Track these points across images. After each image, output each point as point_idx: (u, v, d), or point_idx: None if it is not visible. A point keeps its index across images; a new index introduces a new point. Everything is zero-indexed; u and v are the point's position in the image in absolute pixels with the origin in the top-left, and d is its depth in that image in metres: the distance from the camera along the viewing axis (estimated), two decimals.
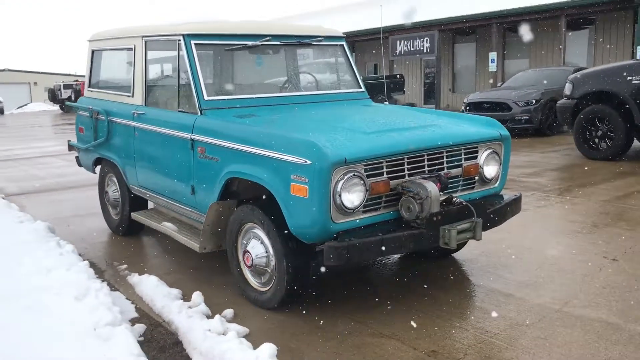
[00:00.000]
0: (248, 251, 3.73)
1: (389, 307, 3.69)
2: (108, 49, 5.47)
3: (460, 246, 4.54)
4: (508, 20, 19.65)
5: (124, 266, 4.63)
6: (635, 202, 6.19)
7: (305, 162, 3.22)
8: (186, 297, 3.89)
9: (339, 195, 3.24)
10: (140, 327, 3.53)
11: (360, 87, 5.05)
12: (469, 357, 3.04)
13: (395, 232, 3.36)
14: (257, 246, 3.69)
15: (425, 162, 3.66)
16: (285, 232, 3.43)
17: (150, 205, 5.31)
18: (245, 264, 3.80)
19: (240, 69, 4.86)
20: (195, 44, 4.25)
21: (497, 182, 4.14)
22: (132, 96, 4.94)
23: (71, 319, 3.31)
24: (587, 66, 16.39)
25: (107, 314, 3.27)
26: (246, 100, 4.36)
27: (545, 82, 13.04)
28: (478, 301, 3.77)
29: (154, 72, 4.79)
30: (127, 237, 5.46)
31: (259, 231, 3.69)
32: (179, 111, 4.32)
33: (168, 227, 4.55)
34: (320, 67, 5.12)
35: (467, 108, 13.12)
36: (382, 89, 21.92)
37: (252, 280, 3.83)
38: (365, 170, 3.36)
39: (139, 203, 5.26)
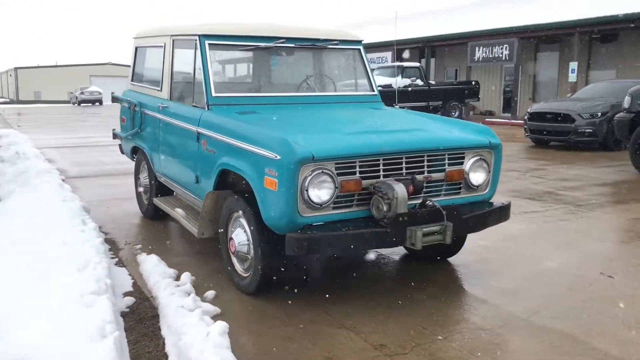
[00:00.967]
0: (232, 238, 4.00)
1: (362, 302, 3.83)
2: (147, 46, 5.92)
3: (454, 250, 4.60)
4: (593, 29, 18.85)
5: (139, 246, 5.03)
6: None
7: (276, 157, 3.44)
8: (179, 277, 4.20)
9: (306, 191, 3.43)
10: (129, 300, 3.88)
11: (374, 91, 5.19)
12: (413, 353, 3.14)
13: (358, 229, 3.50)
14: (241, 234, 3.95)
15: (404, 165, 3.77)
16: (262, 222, 3.66)
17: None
18: (230, 250, 4.07)
19: (252, 68, 5.14)
20: (210, 44, 4.57)
21: (487, 189, 4.18)
22: (161, 90, 5.34)
23: (66, 287, 3.69)
24: None
25: (94, 285, 3.62)
26: (252, 99, 4.64)
27: (617, 95, 12.47)
28: (450, 304, 3.83)
29: (178, 68, 5.14)
30: (153, 220, 5.88)
31: (242, 220, 3.94)
32: (193, 106, 4.65)
33: (178, 212, 4.90)
34: (334, 69, 5.29)
35: (530, 118, 12.78)
36: (455, 95, 21.68)
37: (238, 266, 4.09)
38: (337, 169, 3.53)
39: (164, 189, 5.65)
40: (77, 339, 3.08)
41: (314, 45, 5.01)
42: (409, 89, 20.60)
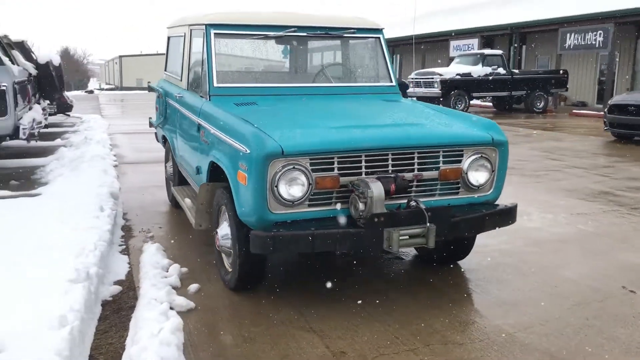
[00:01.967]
0: (217, 232, 3.93)
1: (342, 304, 3.65)
2: (174, 35, 5.96)
3: (463, 254, 4.31)
4: None
5: (151, 234, 5.10)
6: None
7: (246, 151, 3.33)
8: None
9: (276, 187, 3.29)
10: (115, 289, 3.92)
11: (392, 82, 4.93)
12: None
13: (329, 229, 3.32)
14: (225, 228, 3.87)
15: (390, 162, 3.54)
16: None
17: None
18: (215, 243, 4.01)
19: (259, 58, 5.02)
20: (215, 33, 4.50)
21: (490, 190, 3.85)
22: (181, 80, 5.36)
23: (54, 273, 3.78)
24: None
25: (73, 273, 3.68)
26: (257, 89, 4.53)
27: None
28: (436, 314, 3.54)
29: (193, 58, 5.13)
30: (178, 209, 5.94)
31: (227, 214, 3.86)
32: (200, 96, 4.62)
33: (186, 202, 4.91)
34: (351, 59, 5.08)
35: (609, 110, 11.84)
36: (541, 84, 20.52)
37: (225, 260, 4.03)
38: (313, 164, 3.36)
39: (183, 179, 5.68)
40: (39, 327, 3.13)
41: (328, 34, 4.82)
42: (490, 77, 19.75)
